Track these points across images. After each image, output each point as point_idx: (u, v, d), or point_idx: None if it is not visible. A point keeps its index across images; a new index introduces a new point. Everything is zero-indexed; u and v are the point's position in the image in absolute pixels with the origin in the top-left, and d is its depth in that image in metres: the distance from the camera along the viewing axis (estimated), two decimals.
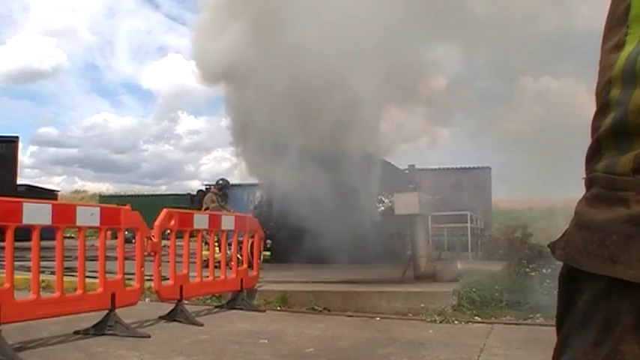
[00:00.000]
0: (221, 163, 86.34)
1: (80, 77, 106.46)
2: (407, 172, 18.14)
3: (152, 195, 34.75)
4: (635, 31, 0.66)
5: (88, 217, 6.55)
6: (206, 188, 17.20)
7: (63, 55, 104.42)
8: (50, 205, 6.35)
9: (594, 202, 0.67)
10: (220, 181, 15.27)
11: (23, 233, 5.95)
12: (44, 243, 6.12)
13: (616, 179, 0.65)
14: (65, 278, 6.31)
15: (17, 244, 5.77)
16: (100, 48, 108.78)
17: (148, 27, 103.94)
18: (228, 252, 9.16)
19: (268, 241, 15.78)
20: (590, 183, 0.70)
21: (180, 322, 7.37)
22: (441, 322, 7.70)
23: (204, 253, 8.82)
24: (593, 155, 0.71)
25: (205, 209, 13.44)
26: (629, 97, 0.64)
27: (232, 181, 16.79)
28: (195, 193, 21.28)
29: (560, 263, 0.73)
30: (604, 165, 0.68)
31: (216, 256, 9.05)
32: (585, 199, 0.70)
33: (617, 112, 0.66)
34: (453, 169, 27.39)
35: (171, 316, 7.48)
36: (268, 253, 15.75)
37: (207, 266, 8.55)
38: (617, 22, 0.70)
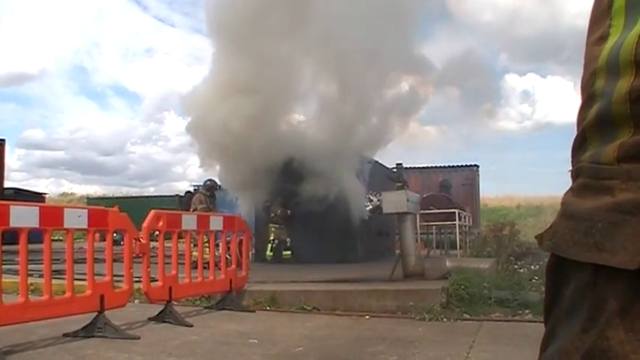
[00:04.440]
0: None
1: (68, 79, 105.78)
2: (395, 170, 18.16)
3: (140, 197, 34.60)
4: (617, 23, 0.67)
5: (75, 219, 6.53)
6: (194, 189, 17.06)
7: (50, 57, 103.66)
8: (37, 208, 6.33)
9: (580, 191, 0.68)
10: (208, 182, 15.23)
11: (11, 236, 5.93)
12: (32, 246, 6.10)
13: (601, 168, 0.66)
14: (54, 281, 6.28)
15: (5, 247, 5.75)
16: (88, 50, 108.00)
17: (136, 29, 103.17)
18: (217, 253, 9.16)
19: (287, 240, 15.75)
20: (576, 174, 0.71)
21: (170, 323, 7.36)
22: (430, 320, 7.73)
23: (193, 254, 8.80)
24: (579, 146, 0.72)
25: (193, 210, 13.41)
26: (612, 88, 0.65)
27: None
28: (183, 194, 21.14)
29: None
30: (589, 155, 0.69)
31: (205, 256, 9.02)
32: (572, 190, 0.71)
33: (601, 102, 0.67)
34: (440, 167, 27.47)
35: (160, 318, 7.46)
36: (289, 252, 15.71)
37: (196, 267, 8.53)
38: (600, 15, 0.71)
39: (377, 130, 16.30)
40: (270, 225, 15.66)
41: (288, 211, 15.44)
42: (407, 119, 17.67)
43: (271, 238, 15.65)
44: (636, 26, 0.64)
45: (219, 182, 15.95)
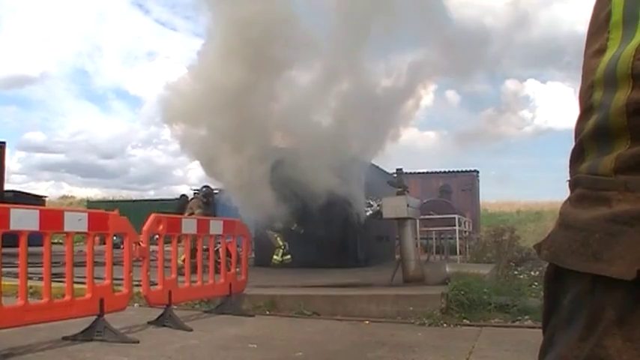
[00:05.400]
0: None
1: (69, 82, 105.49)
2: (395, 175, 18.13)
3: (140, 200, 34.56)
4: (615, 37, 0.68)
5: (75, 222, 6.54)
6: (194, 194, 16.87)
7: (51, 60, 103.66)
8: (38, 211, 6.33)
9: (578, 202, 0.69)
10: (204, 189, 15.16)
11: (11, 239, 5.93)
12: (32, 249, 6.10)
13: (599, 179, 0.66)
14: (53, 284, 6.28)
15: (5, 250, 5.75)
16: (90, 53, 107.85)
17: (137, 32, 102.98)
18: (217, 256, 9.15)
19: (285, 244, 15.54)
20: (574, 184, 0.72)
21: (169, 327, 7.35)
22: (429, 325, 7.72)
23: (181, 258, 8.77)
24: (577, 157, 0.73)
25: (190, 214, 13.35)
26: (610, 100, 0.66)
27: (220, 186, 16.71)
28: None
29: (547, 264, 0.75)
30: (587, 166, 0.70)
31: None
32: (569, 200, 0.72)
33: (599, 114, 0.68)
34: (440, 172, 27.47)
35: (160, 321, 7.46)
36: (288, 256, 15.51)
37: (195, 270, 8.53)
38: (598, 29, 0.72)
39: (375, 132, 16.14)
40: (273, 233, 15.46)
41: (302, 230, 15.26)
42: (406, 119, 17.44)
43: (281, 244, 15.41)
44: (634, 39, 0.64)
45: (216, 185, 15.80)
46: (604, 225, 0.64)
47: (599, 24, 0.72)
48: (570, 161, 0.75)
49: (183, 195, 16.08)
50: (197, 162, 16.58)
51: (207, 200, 14.72)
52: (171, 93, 16.11)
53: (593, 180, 0.68)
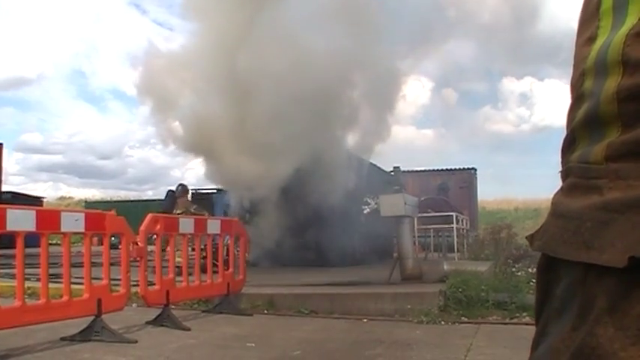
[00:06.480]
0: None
1: (66, 83, 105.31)
2: (392, 173, 18.14)
3: (138, 200, 34.52)
4: (605, 24, 0.68)
5: (72, 222, 6.52)
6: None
7: (48, 61, 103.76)
8: (34, 212, 6.31)
9: (569, 191, 0.69)
10: (180, 187, 15.11)
11: (8, 241, 5.92)
12: (29, 250, 6.09)
13: (590, 168, 0.66)
14: (51, 285, 6.27)
15: (2, 251, 5.75)
16: (87, 54, 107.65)
17: (135, 32, 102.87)
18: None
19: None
20: (565, 174, 0.72)
21: (167, 326, 7.35)
22: (427, 323, 7.73)
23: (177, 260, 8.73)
24: (568, 146, 0.73)
25: (182, 212, 13.31)
26: (601, 88, 0.65)
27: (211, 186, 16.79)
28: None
29: None
30: (578, 155, 0.69)
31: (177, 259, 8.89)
32: (561, 190, 0.72)
33: (590, 102, 0.68)
34: (438, 170, 27.52)
35: (158, 321, 7.46)
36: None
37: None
38: (589, 17, 0.72)
39: (371, 128, 16.08)
40: None
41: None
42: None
43: None
44: (624, 26, 0.64)
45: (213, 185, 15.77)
46: (595, 213, 0.63)
47: (590, 12, 0.72)
48: (562, 151, 0.74)
49: (171, 190, 15.88)
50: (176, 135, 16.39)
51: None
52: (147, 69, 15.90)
53: (584, 169, 0.67)
